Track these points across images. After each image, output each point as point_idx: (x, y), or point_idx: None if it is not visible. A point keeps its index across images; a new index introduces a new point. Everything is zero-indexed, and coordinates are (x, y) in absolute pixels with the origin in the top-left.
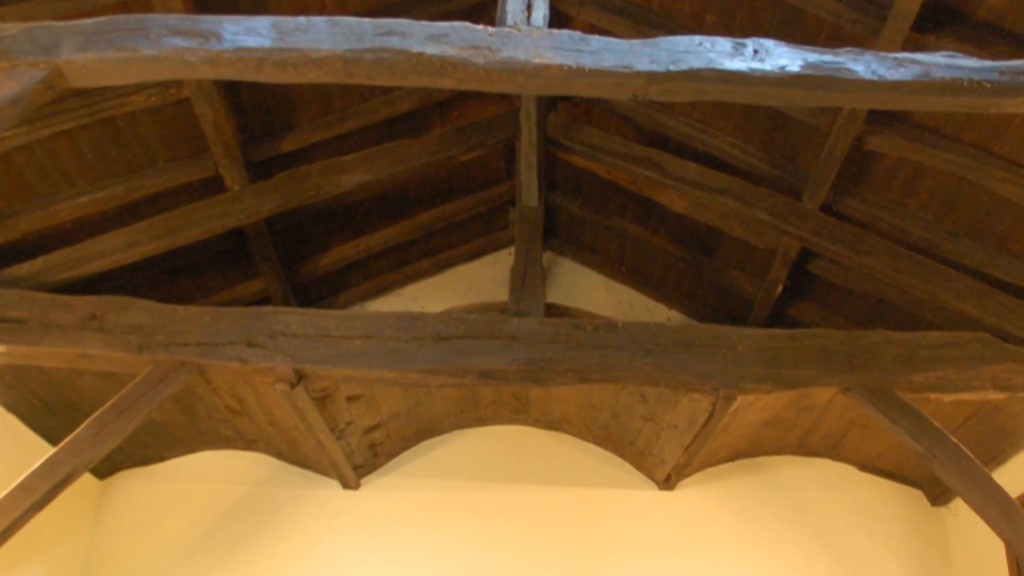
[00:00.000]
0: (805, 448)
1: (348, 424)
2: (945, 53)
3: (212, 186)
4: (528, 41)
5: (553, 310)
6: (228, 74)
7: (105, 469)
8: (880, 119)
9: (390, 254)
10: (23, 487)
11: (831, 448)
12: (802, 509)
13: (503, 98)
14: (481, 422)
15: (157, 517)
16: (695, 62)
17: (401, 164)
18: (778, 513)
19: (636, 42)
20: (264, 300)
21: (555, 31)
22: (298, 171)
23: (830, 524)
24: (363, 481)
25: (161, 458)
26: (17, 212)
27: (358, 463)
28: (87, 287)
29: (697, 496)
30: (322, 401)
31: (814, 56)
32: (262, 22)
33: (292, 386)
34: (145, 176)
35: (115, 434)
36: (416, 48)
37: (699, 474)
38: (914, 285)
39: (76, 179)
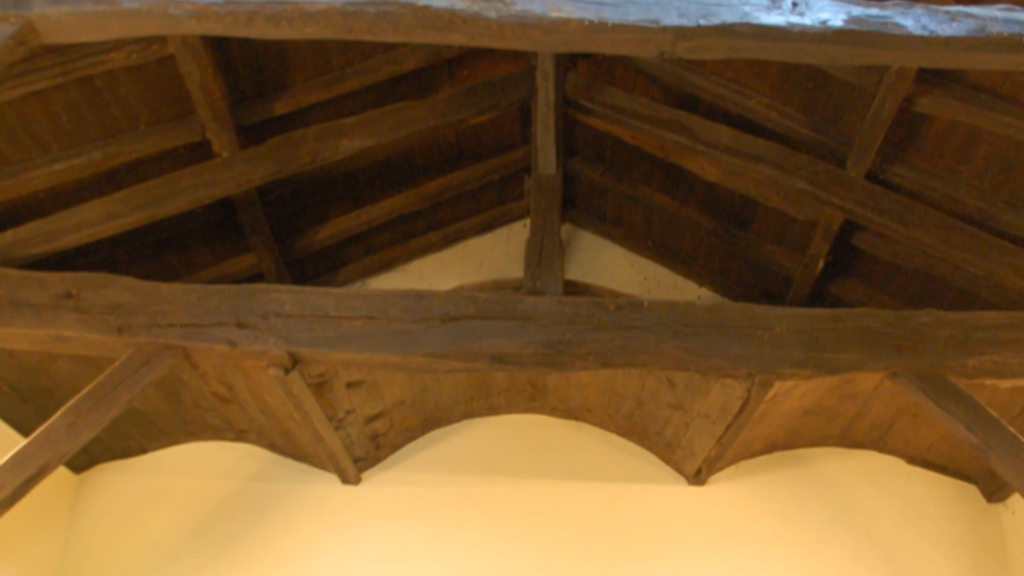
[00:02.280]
0: (849, 439)
1: (348, 413)
2: (1002, 6)
3: (199, 152)
4: None
5: (572, 288)
6: (216, 29)
7: (82, 462)
8: (931, 78)
9: (394, 227)
10: None
11: (877, 439)
12: (845, 506)
13: (518, 56)
14: (493, 411)
15: (139, 514)
16: (728, 16)
17: (406, 128)
18: (819, 510)
19: None
20: (256, 277)
21: None
22: (293, 135)
23: (876, 522)
24: (364, 475)
25: (143, 450)
26: None
27: (359, 456)
28: (62, 263)
29: (730, 492)
30: (319, 388)
31: (859, 9)
32: None
33: (286, 371)
34: (125, 141)
35: (92, 424)
36: (422, 1)
37: (732, 468)
38: (968, 260)
39: (50, 144)
